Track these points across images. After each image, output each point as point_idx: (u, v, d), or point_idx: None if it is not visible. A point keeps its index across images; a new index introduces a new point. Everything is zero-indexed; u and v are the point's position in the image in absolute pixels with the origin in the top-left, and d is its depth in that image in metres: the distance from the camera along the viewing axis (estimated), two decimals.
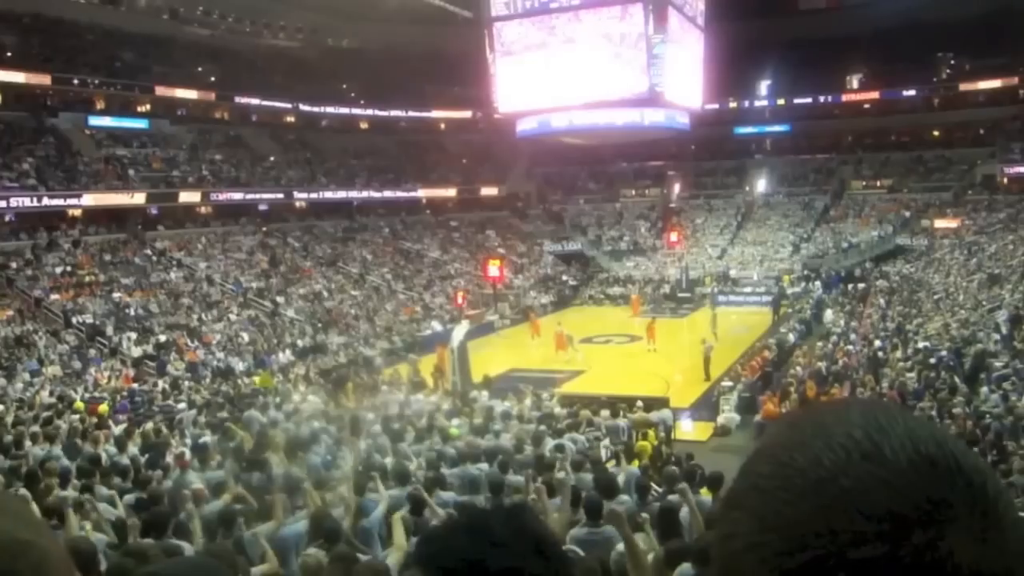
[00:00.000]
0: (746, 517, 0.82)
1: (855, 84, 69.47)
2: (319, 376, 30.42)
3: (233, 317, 39.26)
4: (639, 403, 20.14)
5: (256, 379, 29.20)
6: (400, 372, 29.03)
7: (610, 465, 13.71)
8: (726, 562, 0.83)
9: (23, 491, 9.95)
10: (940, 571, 0.73)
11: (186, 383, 28.18)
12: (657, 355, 34.05)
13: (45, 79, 49.06)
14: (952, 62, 66.45)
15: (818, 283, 47.66)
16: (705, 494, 9.96)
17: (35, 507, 7.90)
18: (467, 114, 69.86)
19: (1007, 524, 0.78)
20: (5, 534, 0.92)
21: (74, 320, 34.72)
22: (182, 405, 22.72)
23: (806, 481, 0.79)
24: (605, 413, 18.37)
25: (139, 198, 46.27)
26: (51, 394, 25.66)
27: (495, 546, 1.40)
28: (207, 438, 15.07)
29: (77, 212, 44.47)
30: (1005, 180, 56.10)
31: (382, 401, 20.22)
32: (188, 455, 12.80)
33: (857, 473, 0.77)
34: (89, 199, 43.75)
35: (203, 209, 51.70)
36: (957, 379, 20.58)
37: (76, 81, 50.95)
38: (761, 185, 65.23)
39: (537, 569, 1.48)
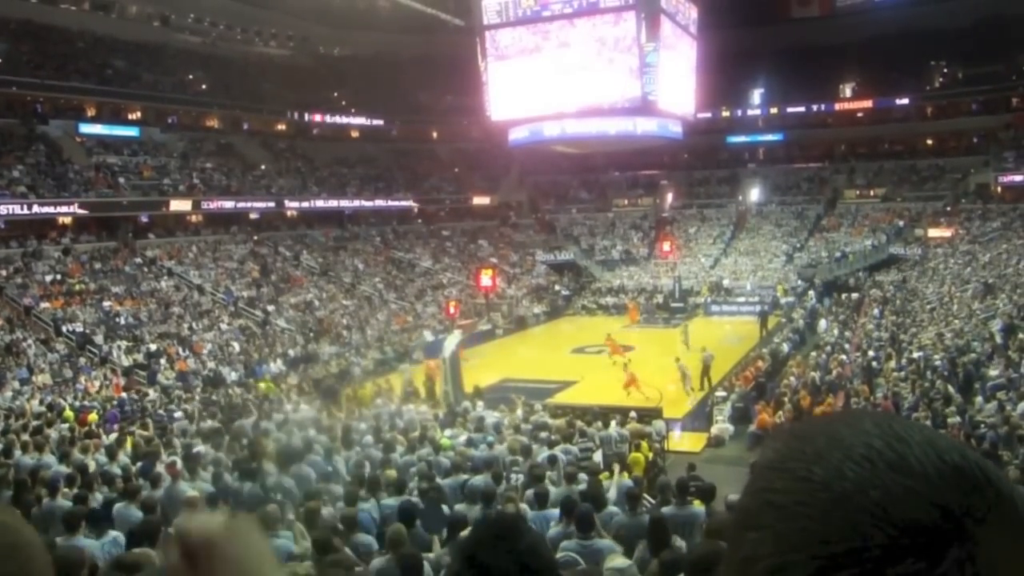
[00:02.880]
0: (764, 537, 0.76)
1: (848, 93, 69.60)
2: (312, 386, 30.31)
3: (224, 326, 39.07)
4: (632, 413, 20.02)
5: (261, 385, 29.15)
6: (391, 382, 28.90)
7: (603, 476, 13.60)
8: None
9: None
10: None
11: (176, 392, 28.02)
12: (649, 365, 33.74)
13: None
14: (945, 70, 66.74)
15: (812, 292, 47.59)
16: (698, 505, 9.88)
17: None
18: (459, 123, 69.78)
19: None
20: None
21: (64, 328, 34.51)
22: (178, 414, 22.52)
23: (830, 495, 0.74)
24: (599, 424, 18.28)
25: (129, 206, 46.15)
26: (41, 403, 25.45)
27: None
28: (199, 448, 14.93)
29: (67, 220, 44.29)
30: (999, 189, 56.20)
31: (374, 412, 20.05)
32: (179, 464, 12.66)
33: (885, 484, 0.73)
34: (79, 207, 43.58)
35: (194, 217, 51.54)
36: (951, 389, 20.51)
37: (72, 91, 50.92)
38: (754, 194, 65.23)
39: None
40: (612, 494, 11.03)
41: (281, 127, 65.57)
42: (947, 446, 0.77)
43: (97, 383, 30.13)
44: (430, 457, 13.59)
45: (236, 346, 36.96)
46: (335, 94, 69.56)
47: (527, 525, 1.89)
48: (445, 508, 9.90)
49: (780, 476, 0.79)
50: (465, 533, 7.65)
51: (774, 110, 69.94)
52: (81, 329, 34.79)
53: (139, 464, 13.56)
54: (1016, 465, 13.66)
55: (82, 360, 32.60)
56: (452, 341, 28.48)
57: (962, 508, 0.72)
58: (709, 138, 66.67)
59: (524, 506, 9.95)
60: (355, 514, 9.20)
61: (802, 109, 69.21)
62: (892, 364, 25.50)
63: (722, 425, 23.51)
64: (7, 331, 33.11)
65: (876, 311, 39.26)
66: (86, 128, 50.56)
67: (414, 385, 27.76)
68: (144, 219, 47.69)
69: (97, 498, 10.73)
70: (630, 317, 45.73)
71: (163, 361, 33.56)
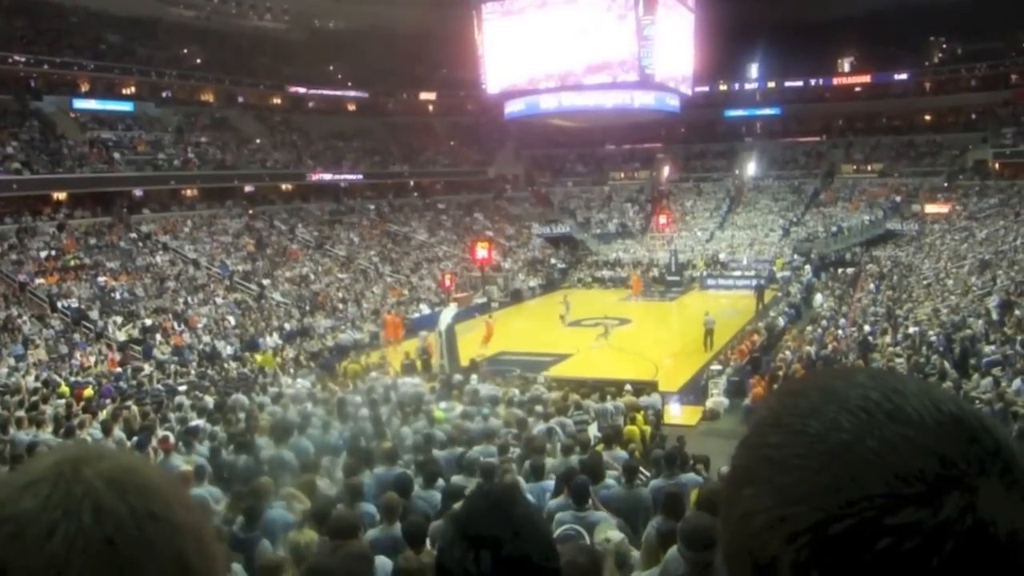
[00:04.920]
0: (762, 492, 0.75)
1: (846, 67, 69.45)
2: (309, 359, 30.34)
3: (219, 300, 38.99)
4: (628, 387, 20.03)
5: (258, 357, 29.18)
6: (386, 355, 28.90)
7: (599, 449, 13.59)
8: (744, 544, 0.77)
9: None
10: (979, 534, 0.68)
11: (172, 367, 28.01)
12: (647, 338, 33.81)
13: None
14: (944, 46, 66.51)
15: (808, 267, 47.57)
16: (689, 477, 9.88)
17: None
18: (455, 96, 69.62)
19: None
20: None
21: (59, 304, 34.43)
22: (183, 388, 22.51)
23: (827, 446, 0.73)
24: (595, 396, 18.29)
25: (124, 181, 46.08)
26: (36, 379, 25.43)
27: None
28: (196, 422, 14.93)
29: (62, 195, 44.14)
30: (996, 165, 56.04)
31: (369, 385, 20.03)
32: (172, 439, 12.66)
33: (883, 434, 0.72)
34: (74, 182, 43.47)
35: (189, 192, 51.38)
36: (947, 364, 20.53)
37: (66, 66, 50.65)
38: (751, 168, 65.14)
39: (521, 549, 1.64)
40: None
41: (276, 101, 65.28)
42: (943, 397, 0.76)
43: (92, 358, 30.09)
44: (425, 430, 13.57)
45: (232, 320, 36.90)
46: (330, 67, 69.20)
47: (522, 495, 1.87)
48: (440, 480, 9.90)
49: (775, 431, 0.78)
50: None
51: (772, 84, 69.75)
52: (76, 305, 34.71)
53: (135, 439, 13.58)
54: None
55: (77, 336, 32.55)
56: (448, 314, 28.44)
57: (962, 456, 0.71)
58: (706, 112, 66.44)
59: (520, 478, 9.95)
60: (360, 485, 9.17)
61: (800, 83, 69.13)
62: (888, 339, 25.56)
63: (717, 399, 23.54)
64: (2, 307, 33.05)
65: (872, 286, 39.30)
66: (80, 104, 50.33)
67: (411, 357, 27.75)
68: (139, 193, 47.54)
69: None
70: (634, 289, 45.75)
71: (159, 336, 33.50)
